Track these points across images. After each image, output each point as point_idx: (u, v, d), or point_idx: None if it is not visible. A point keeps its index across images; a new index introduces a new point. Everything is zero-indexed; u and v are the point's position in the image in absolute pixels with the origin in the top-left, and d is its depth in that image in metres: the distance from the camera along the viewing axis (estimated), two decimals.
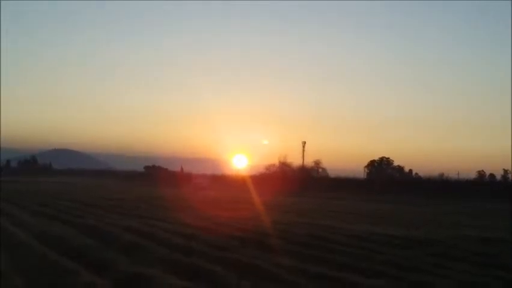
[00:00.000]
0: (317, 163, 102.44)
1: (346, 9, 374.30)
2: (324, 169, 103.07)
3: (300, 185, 75.38)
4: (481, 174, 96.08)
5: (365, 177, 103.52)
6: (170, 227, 19.64)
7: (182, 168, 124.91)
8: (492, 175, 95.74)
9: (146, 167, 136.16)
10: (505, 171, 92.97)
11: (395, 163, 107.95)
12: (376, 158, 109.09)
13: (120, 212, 27.33)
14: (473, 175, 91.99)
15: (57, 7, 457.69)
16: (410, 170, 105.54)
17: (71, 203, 33.01)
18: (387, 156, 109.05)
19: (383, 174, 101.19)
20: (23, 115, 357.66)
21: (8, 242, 14.86)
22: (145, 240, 15.32)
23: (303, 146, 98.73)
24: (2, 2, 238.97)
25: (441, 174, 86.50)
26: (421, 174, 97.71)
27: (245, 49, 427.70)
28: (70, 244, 14.35)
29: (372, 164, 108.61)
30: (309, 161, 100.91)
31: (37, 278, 10.58)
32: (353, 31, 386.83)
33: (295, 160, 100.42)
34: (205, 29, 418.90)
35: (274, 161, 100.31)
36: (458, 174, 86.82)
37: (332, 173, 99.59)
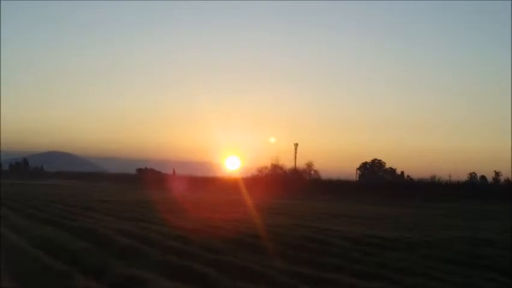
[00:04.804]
0: (309, 165, 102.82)
1: (341, 10, 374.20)
2: (316, 171, 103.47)
3: (293, 187, 75.58)
4: (473, 176, 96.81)
5: (357, 179, 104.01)
6: (164, 229, 19.61)
7: (174, 171, 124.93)
8: (483, 177, 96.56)
9: (139, 170, 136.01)
10: (496, 173, 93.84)
11: (387, 165, 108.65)
12: (368, 160, 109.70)
13: (114, 214, 27.27)
14: (464, 177, 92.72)
15: (51, 7, 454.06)
16: (402, 172, 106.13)
17: (64, 206, 32.86)
18: (379, 158, 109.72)
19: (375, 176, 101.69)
20: (14, 117, 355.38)
21: (1, 245, 14.81)
22: (139, 243, 15.30)
23: (295, 148, 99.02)
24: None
25: (433, 177, 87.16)
26: (413, 176, 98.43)
27: (237, 50, 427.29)
28: (64, 248, 14.32)
29: (364, 166, 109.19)
30: (301, 163, 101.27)
31: (31, 282, 10.58)
32: (344, 32, 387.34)
33: (287, 162, 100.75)
34: (198, 29, 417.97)
35: (267, 163, 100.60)
36: (449, 176, 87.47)
37: (324, 175, 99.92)
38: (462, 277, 11.81)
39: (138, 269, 11.18)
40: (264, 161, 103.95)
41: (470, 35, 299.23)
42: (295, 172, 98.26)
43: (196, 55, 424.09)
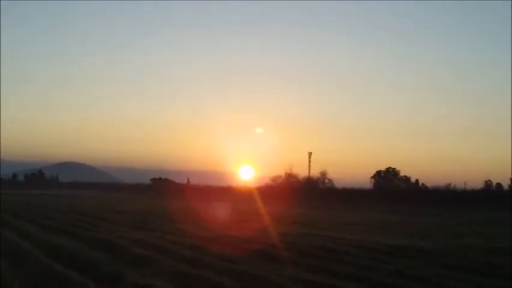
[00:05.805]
0: (323, 174, 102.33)
1: (362, 16, 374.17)
2: (330, 180, 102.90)
3: (307, 196, 75.41)
4: (488, 184, 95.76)
5: (372, 187, 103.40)
6: (178, 239, 19.70)
7: (189, 181, 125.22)
8: (499, 185, 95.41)
9: (153, 180, 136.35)
10: None
11: (402, 173, 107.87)
12: (382, 168, 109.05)
13: (128, 224, 27.38)
14: (480, 185, 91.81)
15: (60, 11, 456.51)
16: (417, 180, 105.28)
17: (78, 216, 33.06)
18: (393, 166, 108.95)
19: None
20: (30, 128, 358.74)
21: (15, 254, 14.92)
22: (153, 252, 15.38)
23: (309, 157, 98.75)
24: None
25: (448, 185, 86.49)
26: (428, 184, 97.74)
27: (251, 58, 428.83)
28: (78, 257, 14.42)
29: (378, 175, 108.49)
30: (315, 172, 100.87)
31: None
32: (360, 38, 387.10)
33: (301, 171, 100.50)
34: (213, 37, 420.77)
35: (281, 172, 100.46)
36: (465, 184, 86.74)
37: (338, 184, 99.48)
38: (474, 285, 11.76)
39: (153, 278, 11.26)
40: (278, 170, 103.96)
41: (484, 40, 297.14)
42: (309, 181, 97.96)
43: (211, 65, 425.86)
